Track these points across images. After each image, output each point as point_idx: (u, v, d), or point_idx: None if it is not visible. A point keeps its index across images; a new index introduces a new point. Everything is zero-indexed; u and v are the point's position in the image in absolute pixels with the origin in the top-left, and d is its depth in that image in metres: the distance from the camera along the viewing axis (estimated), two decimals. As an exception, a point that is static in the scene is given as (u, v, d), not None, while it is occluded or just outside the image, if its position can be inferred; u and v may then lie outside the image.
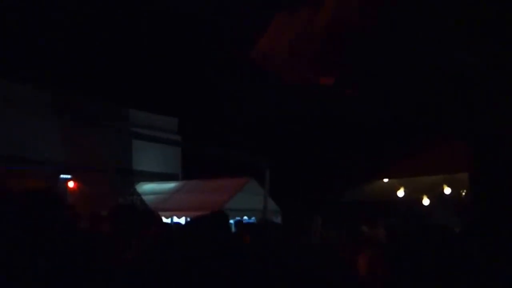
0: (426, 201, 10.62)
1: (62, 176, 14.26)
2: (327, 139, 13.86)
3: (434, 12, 2.18)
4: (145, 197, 14.73)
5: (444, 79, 2.64)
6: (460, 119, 3.04)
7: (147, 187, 15.89)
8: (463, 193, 8.73)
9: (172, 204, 13.59)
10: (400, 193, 9.80)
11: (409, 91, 2.90)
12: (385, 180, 10.04)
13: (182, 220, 12.67)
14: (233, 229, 10.44)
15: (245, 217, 12.39)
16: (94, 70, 16.15)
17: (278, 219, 12.70)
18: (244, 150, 15.03)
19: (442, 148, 6.93)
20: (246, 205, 12.73)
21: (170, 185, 15.70)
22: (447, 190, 9.23)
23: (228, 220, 4.57)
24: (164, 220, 8.23)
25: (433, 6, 2.21)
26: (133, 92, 17.14)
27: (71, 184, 14.28)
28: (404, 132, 7.94)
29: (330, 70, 2.79)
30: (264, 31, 2.61)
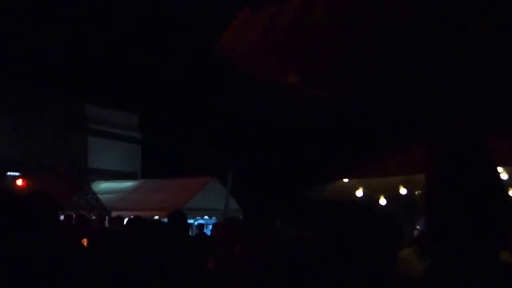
0: (383, 201, 10.92)
1: (9, 173, 13.69)
2: (289, 140, 13.92)
3: (398, 11, 2.16)
4: (101, 196, 14.33)
5: (404, 80, 2.65)
6: (418, 121, 3.07)
7: (103, 186, 15.47)
8: (418, 194, 9.00)
9: (129, 204, 13.29)
10: (359, 193, 10.01)
11: (371, 92, 2.88)
12: (345, 180, 10.16)
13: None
14: (194, 230, 10.31)
15: (206, 217, 12.27)
16: (48, 63, 15.57)
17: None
18: (207, 150, 14.89)
19: (401, 149, 7.06)
20: (207, 205, 12.61)
21: (128, 184, 15.35)
22: (403, 191, 9.49)
23: (186, 220, 4.48)
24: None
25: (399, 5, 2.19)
26: (90, 87, 16.64)
27: (19, 182, 13.73)
28: (365, 134, 8.07)
29: (297, 69, 2.71)
30: (229, 25, 2.51)
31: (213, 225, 7.16)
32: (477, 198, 1.51)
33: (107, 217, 8.37)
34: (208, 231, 8.35)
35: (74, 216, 6.98)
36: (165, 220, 4.97)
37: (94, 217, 9.15)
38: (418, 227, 7.74)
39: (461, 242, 1.50)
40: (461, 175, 1.58)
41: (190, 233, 7.63)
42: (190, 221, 9.51)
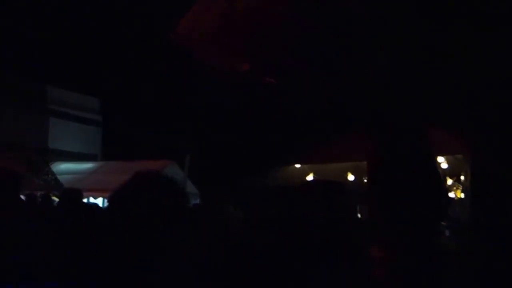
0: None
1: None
2: (244, 126, 14.19)
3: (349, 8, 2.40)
4: (60, 177, 14.31)
5: (352, 69, 2.85)
6: (365, 110, 3.29)
7: (63, 167, 15.42)
8: (364, 181, 9.42)
9: (88, 184, 13.36)
10: (309, 178, 10.42)
11: (322, 80, 3.11)
12: (297, 165, 10.58)
13: (99, 201, 12.52)
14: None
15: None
16: (10, 43, 15.31)
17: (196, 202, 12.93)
18: (166, 134, 15.02)
19: (349, 136, 7.46)
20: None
21: (87, 165, 15.36)
22: (351, 177, 9.91)
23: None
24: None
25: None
26: (52, 68, 16.45)
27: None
28: (316, 120, 8.39)
29: (248, 56, 2.91)
30: (185, 13, 2.72)
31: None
32: (416, 188, 1.51)
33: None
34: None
35: (38, 195, 7.10)
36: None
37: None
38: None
39: (399, 230, 1.52)
40: (401, 164, 1.58)
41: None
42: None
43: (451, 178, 7.51)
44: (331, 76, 2.92)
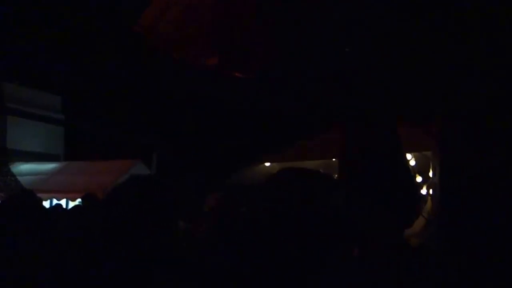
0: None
1: None
2: (212, 123, 14.09)
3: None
4: (21, 178, 13.81)
5: (323, 67, 2.80)
6: (332, 107, 3.27)
7: (24, 168, 14.90)
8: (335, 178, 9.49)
9: (51, 186, 12.96)
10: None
11: (292, 77, 3.06)
12: (267, 164, 10.54)
13: (63, 202, 12.16)
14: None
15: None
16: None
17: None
18: (132, 132, 14.73)
19: (320, 134, 7.45)
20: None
21: (50, 166, 14.90)
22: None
23: (98, 201, 4.49)
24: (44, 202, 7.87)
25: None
26: (11, 65, 15.86)
27: None
28: (287, 118, 8.39)
29: (216, 50, 2.82)
30: (149, 4, 2.61)
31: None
32: (387, 185, 1.51)
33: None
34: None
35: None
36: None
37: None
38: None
39: (371, 225, 1.52)
40: (371, 162, 1.58)
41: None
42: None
43: (419, 175, 7.59)
44: (302, 70, 2.88)
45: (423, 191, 7.42)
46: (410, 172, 1.71)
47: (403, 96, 2.91)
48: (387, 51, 2.67)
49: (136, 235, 1.67)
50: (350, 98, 2.97)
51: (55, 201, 12.45)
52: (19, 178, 13.77)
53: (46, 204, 11.20)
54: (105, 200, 1.83)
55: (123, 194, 1.76)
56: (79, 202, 8.59)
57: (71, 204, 11.93)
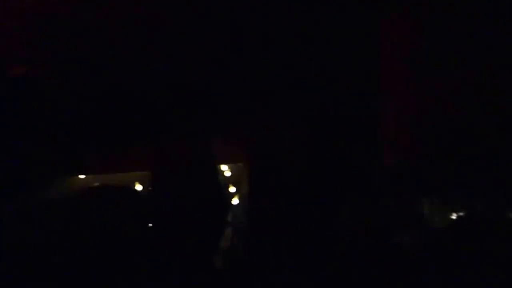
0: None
1: None
2: (19, 133, 12.73)
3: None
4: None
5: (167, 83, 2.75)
6: (146, 120, 3.23)
7: None
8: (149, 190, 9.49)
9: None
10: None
11: (101, 84, 2.94)
12: (81, 176, 9.94)
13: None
14: None
15: None
16: None
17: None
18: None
19: (135, 146, 7.31)
20: None
21: None
22: (139, 187, 9.81)
23: None
24: None
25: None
26: None
27: None
28: (99, 128, 8.05)
29: (23, 57, 2.60)
30: None
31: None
32: (198, 194, 1.51)
33: None
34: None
35: None
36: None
37: None
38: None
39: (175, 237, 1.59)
40: (184, 175, 1.48)
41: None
42: None
43: (233, 185, 7.98)
44: (113, 80, 2.82)
45: (236, 200, 7.86)
46: (219, 183, 1.81)
47: (218, 109, 3.01)
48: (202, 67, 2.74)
49: None
50: (161, 114, 2.98)
51: None
52: None
53: None
54: None
55: None
56: None
57: None
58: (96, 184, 1.76)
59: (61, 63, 2.63)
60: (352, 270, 2.64)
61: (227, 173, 8.84)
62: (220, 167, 2.93)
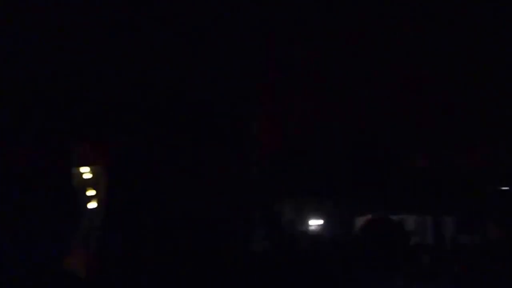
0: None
1: None
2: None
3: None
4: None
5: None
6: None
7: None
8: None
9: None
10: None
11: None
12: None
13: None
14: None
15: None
16: None
17: None
18: None
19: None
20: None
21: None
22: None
23: None
24: None
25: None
26: None
27: None
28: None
29: None
30: None
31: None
32: (52, 200, 1.49)
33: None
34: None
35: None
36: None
37: None
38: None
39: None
40: (37, 177, 1.51)
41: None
42: None
43: (93, 188, 7.73)
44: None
45: (93, 204, 7.62)
46: (73, 188, 1.81)
47: (83, 115, 2.97)
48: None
49: None
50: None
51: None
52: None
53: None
54: None
55: None
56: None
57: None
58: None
59: None
60: (209, 269, 2.69)
61: (87, 175, 8.43)
62: (78, 170, 2.92)
